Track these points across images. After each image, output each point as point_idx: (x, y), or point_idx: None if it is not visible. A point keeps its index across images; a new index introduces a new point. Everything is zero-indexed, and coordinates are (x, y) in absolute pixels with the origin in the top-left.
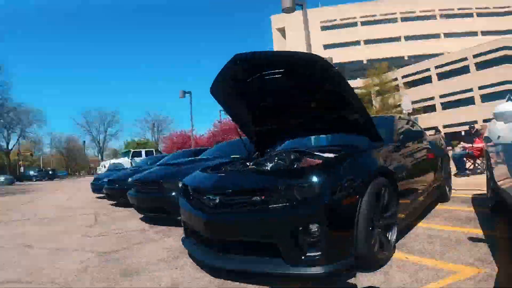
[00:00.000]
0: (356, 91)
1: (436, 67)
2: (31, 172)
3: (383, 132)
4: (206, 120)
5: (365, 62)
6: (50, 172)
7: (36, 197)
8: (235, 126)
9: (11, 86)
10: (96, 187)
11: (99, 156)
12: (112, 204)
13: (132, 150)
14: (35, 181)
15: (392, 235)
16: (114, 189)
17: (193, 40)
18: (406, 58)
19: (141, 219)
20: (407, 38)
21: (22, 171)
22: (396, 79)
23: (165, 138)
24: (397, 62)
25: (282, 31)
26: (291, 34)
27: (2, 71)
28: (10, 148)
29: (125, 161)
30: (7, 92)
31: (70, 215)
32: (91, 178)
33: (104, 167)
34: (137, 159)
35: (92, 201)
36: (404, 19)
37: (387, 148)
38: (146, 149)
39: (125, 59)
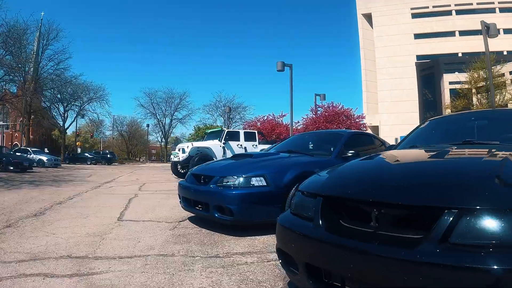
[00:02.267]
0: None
1: None
2: (86, 154)
3: None
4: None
5: (460, 55)
6: (108, 156)
7: (68, 197)
8: (342, 113)
9: (70, 56)
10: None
11: (163, 142)
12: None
13: (226, 129)
14: (89, 164)
15: None
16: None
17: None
18: (505, 53)
19: None
20: (507, 31)
21: (79, 152)
22: (503, 74)
23: (246, 123)
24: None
25: (368, 17)
26: (378, 20)
27: (58, 37)
28: (66, 126)
29: (214, 144)
30: (64, 62)
31: None
32: (153, 165)
33: (183, 151)
34: (236, 143)
35: (187, 228)
36: (502, 10)
37: None
38: (246, 130)
39: (196, 42)
